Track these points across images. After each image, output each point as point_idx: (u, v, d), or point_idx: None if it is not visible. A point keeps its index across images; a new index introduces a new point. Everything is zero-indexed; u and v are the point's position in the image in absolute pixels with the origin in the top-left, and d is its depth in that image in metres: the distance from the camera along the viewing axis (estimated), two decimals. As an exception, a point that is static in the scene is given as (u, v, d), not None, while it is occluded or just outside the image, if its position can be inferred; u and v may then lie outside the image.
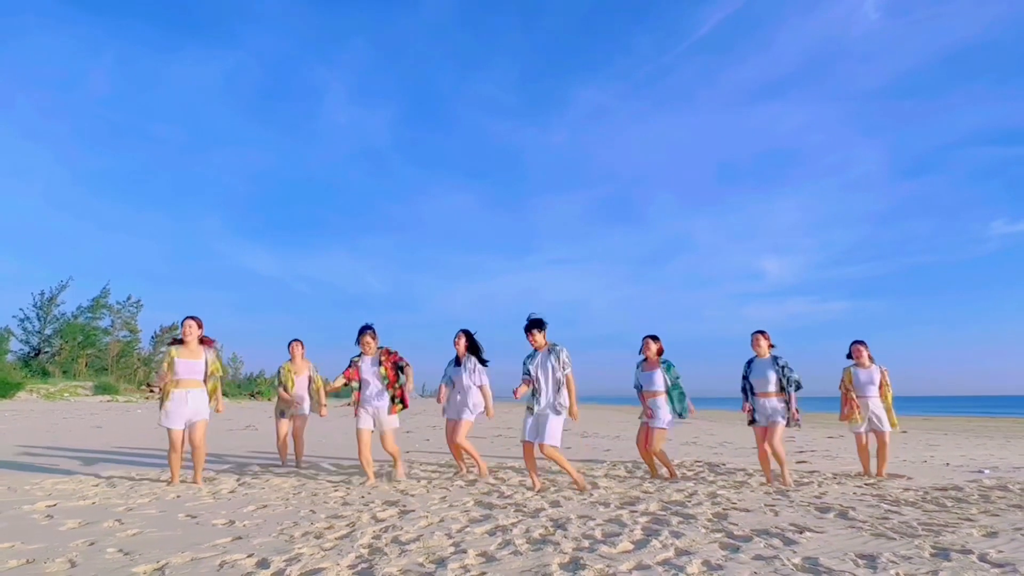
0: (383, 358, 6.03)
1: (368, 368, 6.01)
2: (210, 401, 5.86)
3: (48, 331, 39.01)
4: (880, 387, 6.70)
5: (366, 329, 6.04)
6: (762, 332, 6.17)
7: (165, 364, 5.69)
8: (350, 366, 6.05)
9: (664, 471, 6.66)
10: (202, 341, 5.93)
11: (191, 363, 5.73)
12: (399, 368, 6.10)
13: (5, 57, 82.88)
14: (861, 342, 6.86)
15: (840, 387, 6.84)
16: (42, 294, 39.21)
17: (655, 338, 6.51)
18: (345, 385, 6.08)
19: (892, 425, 6.65)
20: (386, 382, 5.99)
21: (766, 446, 5.98)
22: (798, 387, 5.99)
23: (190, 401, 5.65)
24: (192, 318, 5.89)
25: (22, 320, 38.33)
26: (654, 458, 6.47)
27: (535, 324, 5.68)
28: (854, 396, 6.71)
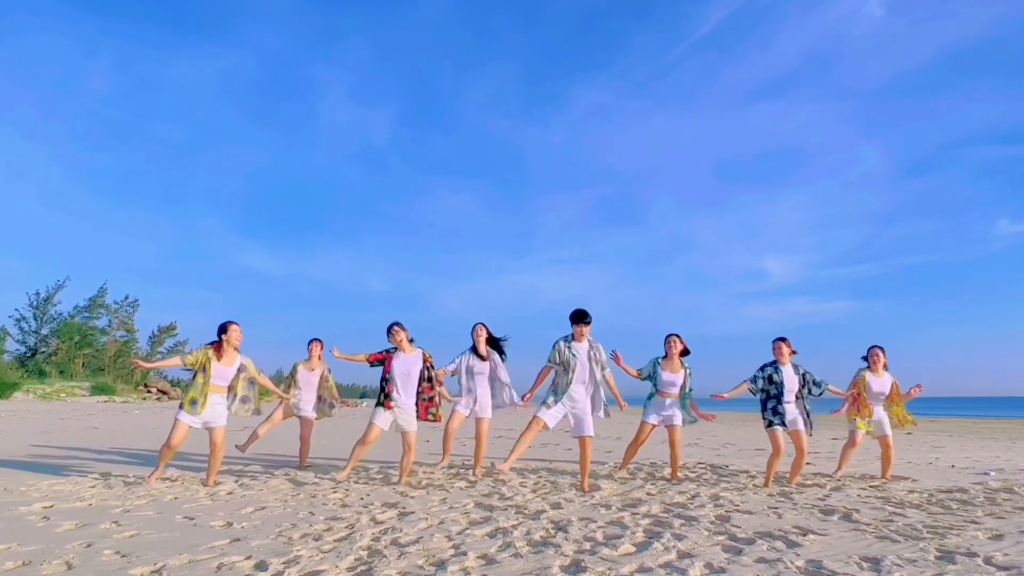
0: (425, 358, 5.93)
1: (408, 365, 5.80)
2: (256, 403, 6.01)
3: (45, 331, 38.97)
4: (890, 396, 6.57)
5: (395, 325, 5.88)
6: (784, 339, 6.15)
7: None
8: (382, 354, 5.84)
9: (666, 471, 6.64)
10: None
11: (225, 370, 5.65)
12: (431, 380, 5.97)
13: (4, 57, 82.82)
14: (880, 348, 6.67)
15: (851, 389, 6.57)
16: (38, 294, 39.22)
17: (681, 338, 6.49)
18: (371, 363, 5.85)
19: (904, 423, 6.52)
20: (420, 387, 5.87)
21: (801, 447, 5.91)
22: (820, 391, 6.11)
23: (211, 406, 5.56)
24: (237, 324, 5.74)
25: (18, 320, 38.34)
26: (635, 453, 6.67)
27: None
28: (867, 400, 6.48)
